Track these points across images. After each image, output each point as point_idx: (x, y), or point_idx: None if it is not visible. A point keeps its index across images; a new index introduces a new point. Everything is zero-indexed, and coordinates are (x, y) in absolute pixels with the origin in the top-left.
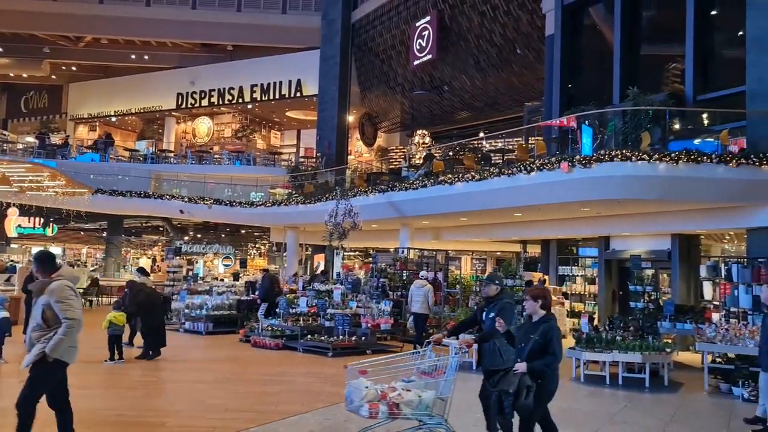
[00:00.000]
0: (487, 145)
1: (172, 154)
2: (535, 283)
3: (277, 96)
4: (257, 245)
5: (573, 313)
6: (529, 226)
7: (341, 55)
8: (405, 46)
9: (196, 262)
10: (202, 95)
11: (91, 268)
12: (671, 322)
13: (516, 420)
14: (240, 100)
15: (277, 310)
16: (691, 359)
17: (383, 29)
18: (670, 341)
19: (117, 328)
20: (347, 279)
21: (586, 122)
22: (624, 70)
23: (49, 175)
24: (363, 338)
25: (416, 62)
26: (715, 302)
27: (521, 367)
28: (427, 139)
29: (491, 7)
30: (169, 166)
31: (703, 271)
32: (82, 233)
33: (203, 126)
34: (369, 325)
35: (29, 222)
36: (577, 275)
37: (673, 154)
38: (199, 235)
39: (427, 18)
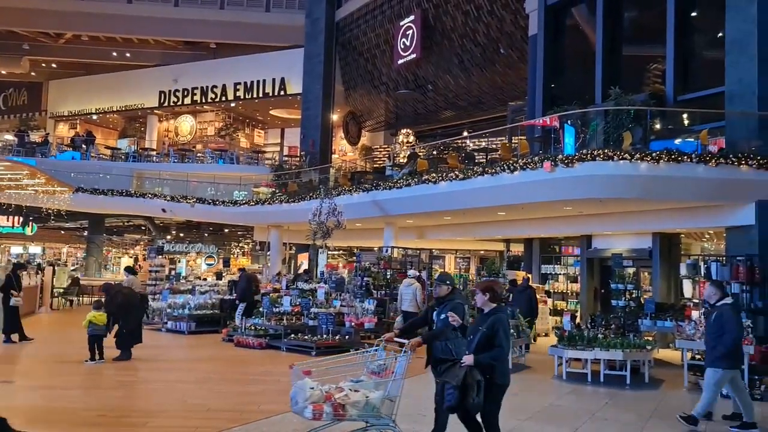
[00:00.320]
0: (471, 145)
1: (154, 153)
2: (519, 282)
3: (260, 94)
4: (241, 244)
5: (555, 311)
6: (513, 225)
7: (325, 53)
8: (389, 45)
9: (179, 262)
10: (185, 93)
11: (72, 268)
12: (652, 320)
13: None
14: (223, 99)
15: (261, 309)
16: (671, 356)
17: (367, 28)
18: (650, 339)
19: (97, 328)
20: (331, 278)
21: (569, 122)
22: (606, 70)
23: (28, 174)
24: (347, 337)
25: (400, 61)
26: (694, 300)
27: (468, 359)
28: (411, 138)
29: (475, 6)
30: (152, 165)
31: (683, 270)
32: (62, 232)
33: (186, 124)
34: (353, 324)
35: (8, 221)
36: (560, 274)
37: (654, 154)
38: (181, 234)
39: (411, 17)
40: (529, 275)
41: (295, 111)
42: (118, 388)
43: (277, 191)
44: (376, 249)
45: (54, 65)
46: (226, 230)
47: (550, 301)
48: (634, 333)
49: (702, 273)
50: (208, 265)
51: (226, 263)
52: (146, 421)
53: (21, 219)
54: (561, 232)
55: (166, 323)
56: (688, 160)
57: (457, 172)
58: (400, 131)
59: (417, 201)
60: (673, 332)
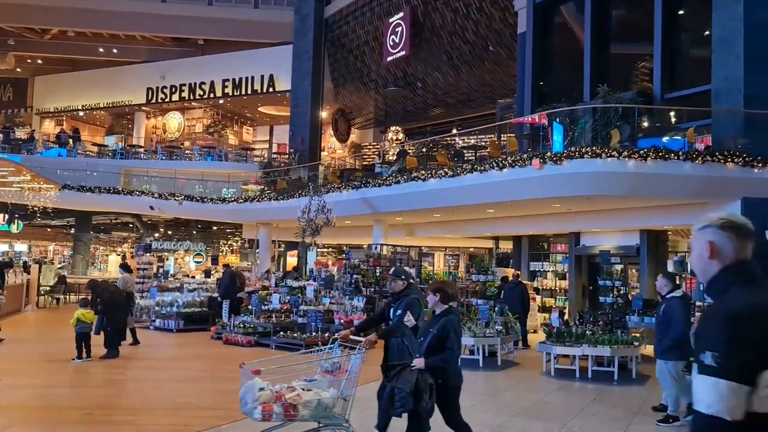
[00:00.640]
0: (460, 142)
1: (142, 150)
2: (510, 279)
3: (249, 91)
4: (229, 242)
5: (544, 308)
6: (501, 222)
7: (314, 50)
8: (378, 42)
9: (167, 259)
10: (173, 90)
11: (59, 266)
12: (639, 316)
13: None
14: (211, 95)
15: (250, 306)
16: None
17: (356, 25)
18: (638, 335)
19: (85, 326)
20: (320, 275)
21: (557, 119)
22: (594, 68)
23: (13, 170)
24: (336, 334)
25: (389, 58)
26: None
27: (418, 363)
28: (401, 136)
29: (464, 4)
30: (139, 162)
31: (670, 266)
32: (48, 230)
33: (174, 121)
34: (342, 321)
35: None
36: (548, 271)
37: (641, 151)
38: (169, 232)
39: (401, 14)
40: (519, 272)
41: (284, 108)
42: (105, 387)
43: (266, 189)
44: (365, 246)
45: (40, 61)
46: (215, 228)
47: (538, 298)
48: (621, 329)
49: (689, 270)
50: (196, 262)
51: (215, 261)
52: (134, 419)
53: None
54: (550, 229)
55: (155, 321)
56: (676, 157)
57: (446, 170)
58: (389, 128)
59: (406, 198)
60: None
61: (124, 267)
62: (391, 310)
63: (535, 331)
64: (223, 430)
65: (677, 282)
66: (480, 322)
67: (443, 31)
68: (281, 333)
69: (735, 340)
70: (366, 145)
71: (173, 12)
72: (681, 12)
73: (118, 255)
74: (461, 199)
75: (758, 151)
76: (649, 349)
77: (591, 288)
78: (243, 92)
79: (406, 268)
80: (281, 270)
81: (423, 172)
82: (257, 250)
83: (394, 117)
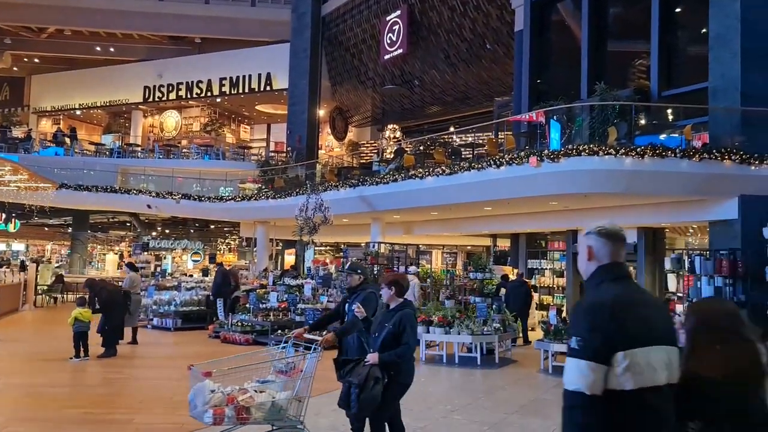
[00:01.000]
0: (458, 140)
1: (139, 149)
2: (512, 278)
3: (246, 90)
4: (227, 240)
5: (542, 306)
6: (499, 220)
7: (311, 48)
8: (375, 40)
9: (164, 258)
10: (170, 88)
11: (56, 265)
12: None
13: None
14: (209, 94)
15: (248, 305)
16: None
17: (353, 23)
18: None
19: (83, 325)
20: (318, 274)
21: (555, 117)
22: (591, 65)
23: (10, 170)
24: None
25: (387, 56)
26: (678, 294)
27: (372, 358)
28: (398, 134)
29: (461, 2)
30: (136, 161)
31: (667, 264)
32: (46, 229)
33: (171, 120)
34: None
35: None
36: (546, 268)
37: (638, 149)
38: (167, 231)
39: (398, 12)
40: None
41: (281, 106)
42: (103, 385)
43: (264, 187)
44: (363, 244)
45: (36, 60)
46: (212, 226)
47: (536, 295)
48: None
49: (686, 267)
50: (194, 261)
51: (212, 260)
52: (132, 417)
53: (4, 215)
54: (547, 226)
55: (152, 320)
56: (673, 155)
57: (443, 168)
58: (386, 127)
59: (404, 196)
60: None
61: (130, 266)
62: (347, 306)
63: (533, 329)
64: (221, 429)
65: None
66: (478, 320)
67: (440, 29)
68: (279, 331)
69: (595, 326)
70: (363, 144)
71: (170, 10)
72: (678, 9)
73: (116, 254)
74: (459, 197)
75: (755, 149)
76: None
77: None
78: (240, 91)
79: (363, 263)
80: (279, 268)
81: (420, 170)
82: (255, 249)
83: (391, 115)
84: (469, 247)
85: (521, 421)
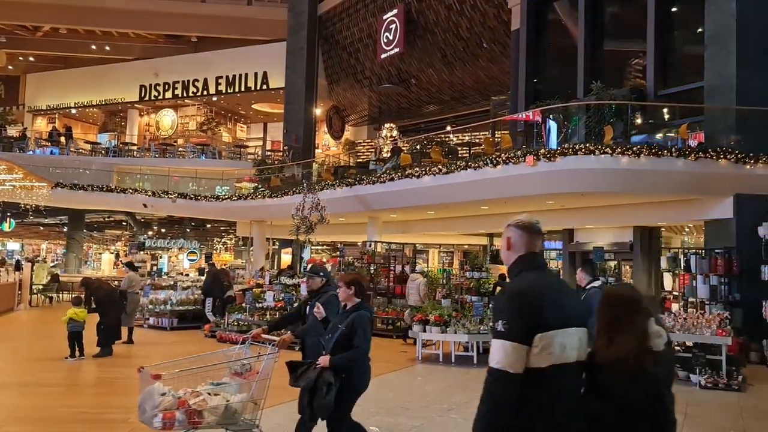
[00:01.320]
0: (454, 139)
1: (135, 148)
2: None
3: (242, 88)
4: (223, 240)
5: None
6: (496, 219)
7: (308, 47)
8: (372, 39)
9: (161, 257)
10: (166, 87)
11: (52, 264)
12: None
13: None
14: (205, 93)
15: (244, 304)
16: None
17: (350, 22)
18: None
19: (77, 325)
20: None
21: (551, 116)
22: (588, 65)
23: (5, 168)
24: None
25: (383, 55)
26: (674, 293)
27: (323, 361)
28: (395, 133)
29: (458, 1)
30: (132, 160)
31: (663, 263)
32: (41, 228)
33: (167, 119)
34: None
35: None
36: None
37: (635, 148)
38: (163, 230)
39: (394, 11)
40: None
41: (277, 105)
42: (98, 385)
43: (260, 186)
44: (359, 244)
45: (32, 58)
46: (209, 226)
47: None
48: None
49: (682, 266)
50: (190, 260)
51: (209, 259)
52: (127, 417)
53: None
54: (544, 225)
55: (148, 319)
56: (668, 154)
57: (440, 167)
58: (383, 125)
59: (400, 195)
60: None
61: (129, 265)
62: (308, 308)
63: None
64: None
65: (596, 274)
66: (474, 319)
67: (437, 28)
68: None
69: (517, 310)
70: (360, 143)
71: (166, 9)
72: (674, 9)
73: (112, 253)
74: (455, 196)
75: (750, 148)
76: None
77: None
78: (237, 89)
79: (321, 265)
80: (275, 267)
81: (417, 169)
82: (251, 248)
83: (388, 114)
84: (465, 247)
85: None
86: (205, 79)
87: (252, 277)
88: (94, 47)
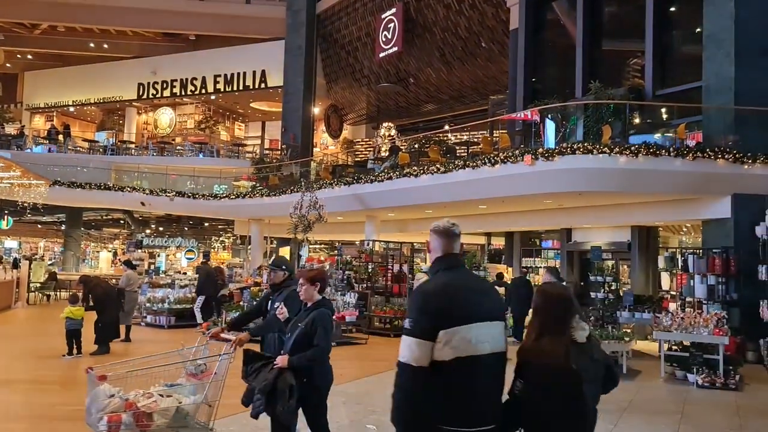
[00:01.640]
0: (453, 138)
1: (133, 146)
2: (505, 277)
3: (241, 87)
4: (221, 238)
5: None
6: (494, 218)
7: (306, 46)
8: (371, 38)
9: (158, 256)
10: (164, 85)
11: (49, 262)
12: (630, 312)
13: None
14: (203, 91)
15: (241, 303)
16: (649, 348)
17: (349, 21)
18: (629, 330)
19: (75, 323)
20: None
21: (549, 116)
22: (586, 64)
23: (3, 166)
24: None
25: (382, 54)
26: (672, 292)
27: (281, 360)
28: (393, 132)
29: (456, 0)
30: (130, 158)
31: (661, 262)
32: (39, 226)
33: (165, 117)
34: (334, 317)
35: None
36: (540, 267)
37: (633, 147)
38: (161, 228)
39: (393, 10)
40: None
41: (276, 104)
42: None
43: (258, 185)
44: (357, 242)
45: (30, 56)
46: (207, 224)
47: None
48: (612, 325)
49: (679, 265)
50: (188, 259)
51: (206, 257)
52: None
53: None
54: (541, 225)
55: (146, 317)
56: (666, 153)
57: (438, 166)
58: (381, 124)
59: (398, 194)
60: (650, 324)
61: (128, 264)
62: (270, 303)
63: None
64: (217, 425)
65: (560, 276)
66: None
67: (436, 27)
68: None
69: (422, 309)
70: (358, 141)
71: (164, 7)
72: (672, 9)
73: (109, 251)
74: (453, 195)
75: (748, 148)
76: (639, 345)
77: (582, 284)
78: (235, 88)
79: (284, 257)
80: None
81: (415, 168)
82: (249, 247)
83: (386, 113)
84: (463, 245)
85: None
86: (204, 78)
87: (250, 275)
88: (92, 45)
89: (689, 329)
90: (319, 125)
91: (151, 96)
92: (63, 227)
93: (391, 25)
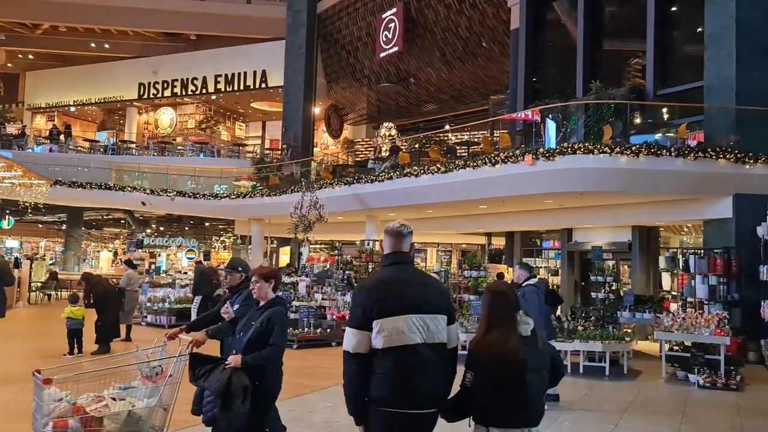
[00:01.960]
0: (453, 138)
1: (133, 146)
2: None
3: (241, 87)
4: (222, 238)
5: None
6: (494, 218)
7: (307, 46)
8: (371, 38)
9: (159, 255)
10: (165, 85)
11: (50, 262)
12: (631, 312)
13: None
14: (204, 91)
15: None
16: (649, 348)
17: (349, 21)
18: (629, 331)
19: (75, 323)
20: (312, 271)
21: (550, 116)
22: (587, 64)
23: (4, 166)
24: (328, 330)
25: (382, 54)
26: (673, 292)
27: (234, 360)
28: (393, 132)
29: (457, 0)
30: (131, 158)
31: (661, 262)
32: (40, 226)
33: (166, 117)
34: (334, 317)
35: None
36: (541, 267)
37: (633, 147)
38: (161, 228)
39: (394, 10)
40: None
41: (276, 104)
42: None
43: (258, 185)
44: (357, 242)
45: (31, 56)
46: (207, 224)
47: None
48: (613, 325)
49: (680, 266)
50: (189, 258)
51: (207, 257)
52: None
53: None
54: (542, 225)
55: (146, 317)
56: (667, 153)
57: (438, 166)
58: (382, 124)
59: (399, 194)
60: (651, 324)
61: (129, 263)
62: (229, 306)
63: None
64: None
65: (532, 272)
66: (472, 318)
67: (436, 27)
68: None
69: (359, 302)
70: (359, 141)
71: (165, 7)
72: (673, 9)
73: (110, 251)
74: (454, 195)
75: (750, 148)
76: (640, 345)
77: (583, 284)
78: (235, 88)
79: (241, 259)
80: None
81: (415, 168)
82: (250, 247)
83: (386, 113)
84: (464, 246)
85: None
86: (204, 78)
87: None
88: (93, 45)
89: (690, 329)
90: (320, 125)
91: (151, 96)
92: (64, 227)
93: (392, 24)
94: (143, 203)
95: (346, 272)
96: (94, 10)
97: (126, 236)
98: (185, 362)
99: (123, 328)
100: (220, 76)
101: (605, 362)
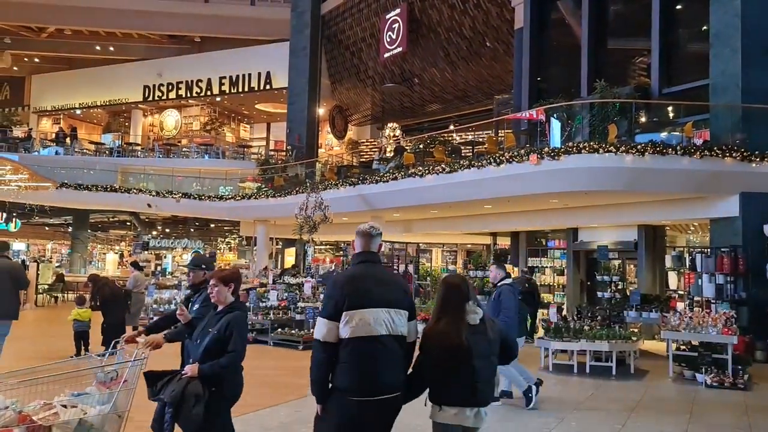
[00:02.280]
0: (458, 138)
1: (139, 148)
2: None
3: (246, 88)
4: (227, 239)
5: (542, 304)
6: (499, 218)
7: (311, 47)
8: (375, 38)
9: (165, 257)
10: (170, 88)
11: (57, 264)
12: (637, 312)
13: None
14: (208, 93)
15: (248, 303)
16: (656, 347)
17: (353, 21)
18: (636, 330)
19: (82, 324)
20: (318, 272)
21: (555, 115)
22: (592, 63)
23: (11, 169)
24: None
25: (386, 55)
26: (680, 291)
27: (191, 370)
28: (398, 132)
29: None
30: (136, 160)
31: (668, 261)
32: (46, 228)
33: (171, 119)
34: None
35: None
36: (546, 266)
37: (639, 146)
38: (167, 230)
39: (397, 10)
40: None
41: (281, 105)
42: None
43: (263, 186)
44: None
45: (37, 59)
46: (213, 225)
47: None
48: (619, 324)
49: (687, 265)
50: None
51: (213, 258)
52: (132, 416)
53: (4, 215)
54: (547, 224)
55: (153, 319)
56: (673, 152)
57: (443, 166)
58: (386, 125)
59: (403, 195)
60: (658, 323)
61: (135, 265)
62: (191, 305)
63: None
64: None
65: (507, 271)
66: None
67: (440, 27)
68: (279, 330)
69: (330, 294)
70: (363, 142)
71: (170, 9)
72: (678, 7)
73: (116, 253)
74: (458, 195)
75: (756, 146)
76: (647, 344)
77: (589, 283)
78: (240, 89)
79: (204, 255)
80: (278, 267)
81: (420, 168)
82: (255, 248)
83: (391, 113)
84: (469, 246)
85: (521, 418)
86: (209, 80)
87: (255, 276)
88: (98, 48)
89: (697, 329)
90: (324, 126)
91: (156, 98)
92: (70, 229)
93: (396, 25)
94: (149, 205)
95: None
96: (99, 14)
97: (132, 238)
98: (141, 367)
99: (129, 330)
100: (225, 77)
101: (612, 362)
